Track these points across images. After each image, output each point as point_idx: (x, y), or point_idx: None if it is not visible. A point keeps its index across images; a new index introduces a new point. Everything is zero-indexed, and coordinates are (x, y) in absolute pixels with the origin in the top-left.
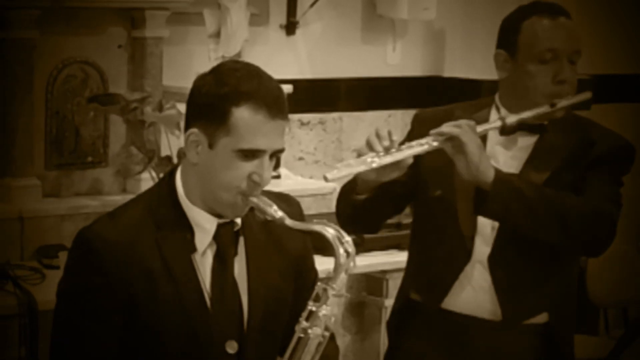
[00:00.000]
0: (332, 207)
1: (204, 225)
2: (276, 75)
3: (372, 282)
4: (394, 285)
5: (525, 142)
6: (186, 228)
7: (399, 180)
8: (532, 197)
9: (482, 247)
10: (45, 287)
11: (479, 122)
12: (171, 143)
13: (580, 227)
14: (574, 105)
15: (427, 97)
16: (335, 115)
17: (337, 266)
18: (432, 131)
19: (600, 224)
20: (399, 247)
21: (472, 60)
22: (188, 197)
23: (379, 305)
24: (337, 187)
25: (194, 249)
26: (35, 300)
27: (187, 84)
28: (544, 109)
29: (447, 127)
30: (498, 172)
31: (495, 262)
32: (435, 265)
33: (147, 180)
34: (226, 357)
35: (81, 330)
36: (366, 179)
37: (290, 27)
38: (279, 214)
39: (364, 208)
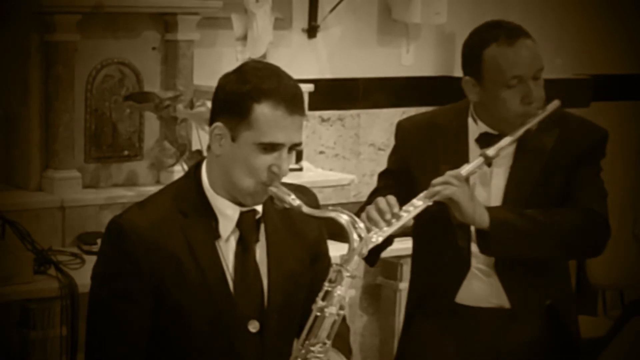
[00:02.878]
0: (350, 197)
1: (228, 213)
2: (298, 75)
3: (387, 266)
4: (407, 269)
5: (508, 149)
6: (211, 216)
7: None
8: (528, 229)
9: (479, 254)
10: (84, 271)
11: (459, 132)
12: (201, 138)
13: (578, 239)
14: (573, 97)
15: (439, 95)
16: (353, 112)
17: (351, 249)
18: (426, 192)
19: (595, 229)
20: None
21: None
22: (212, 187)
23: (394, 289)
24: (354, 178)
25: (218, 235)
26: (76, 283)
27: (216, 83)
28: (517, 133)
29: (439, 187)
30: (492, 215)
31: (500, 265)
32: (438, 273)
33: (179, 172)
34: (248, 335)
35: (114, 311)
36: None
37: (311, 31)
38: (297, 202)
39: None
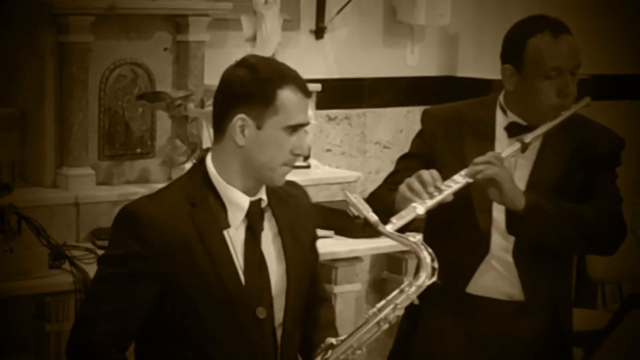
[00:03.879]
0: (357, 194)
1: (239, 203)
2: (306, 75)
3: (393, 261)
4: (412, 264)
5: (533, 144)
6: (220, 206)
7: None
8: (559, 217)
9: (499, 239)
10: None
11: (487, 124)
12: (212, 136)
13: (599, 234)
14: None
15: (442, 95)
16: (359, 111)
17: (421, 284)
18: (468, 170)
19: (615, 229)
20: (417, 230)
21: (483, 62)
22: (224, 178)
23: (399, 282)
24: (360, 175)
25: (227, 224)
26: (90, 277)
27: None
28: (553, 123)
29: (482, 166)
30: (527, 197)
31: (518, 254)
32: (455, 257)
33: None
34: (257, 321)
35: (117, 289)
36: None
37: (319, 32)
38: (374, 217)
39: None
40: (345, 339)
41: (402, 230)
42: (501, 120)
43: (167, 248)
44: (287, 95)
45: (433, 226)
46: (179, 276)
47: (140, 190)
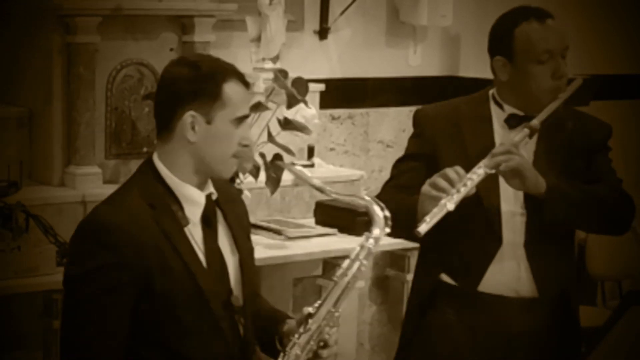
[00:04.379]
0: (359, 192)
1: (195, 199)
2: (310, 75)
3: (395, 258)
4: (415, 261)
5: (536, 122)
6: (176, 204)
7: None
8: (577, 196)
9: (509, 233)
10: None
11: (483, 118)
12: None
13: (615, 212)
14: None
15: (444, 94)
16: (362, 110)
17: (378, 238)
18: (488, 161)
19: (627, 206)
20: None
21: (484, 62)
22: (177, 176)
23: (401, 280)
24: (364, 174)
25: (187, 222)
26: None
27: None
28: (555, 104)
29: (503, 156)
30: (547, 181)
31: (530, 247)
32: (467, 251)
33: None
34: (230, 311)
35: (99, 305)
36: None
37: (322, 33)
38: (319, 183)
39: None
40: (321, 304)
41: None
42: (498, 114)
43: (140, 253)
44: (231, 88)
45: (443, 226)
46: (154, 279)
47: None
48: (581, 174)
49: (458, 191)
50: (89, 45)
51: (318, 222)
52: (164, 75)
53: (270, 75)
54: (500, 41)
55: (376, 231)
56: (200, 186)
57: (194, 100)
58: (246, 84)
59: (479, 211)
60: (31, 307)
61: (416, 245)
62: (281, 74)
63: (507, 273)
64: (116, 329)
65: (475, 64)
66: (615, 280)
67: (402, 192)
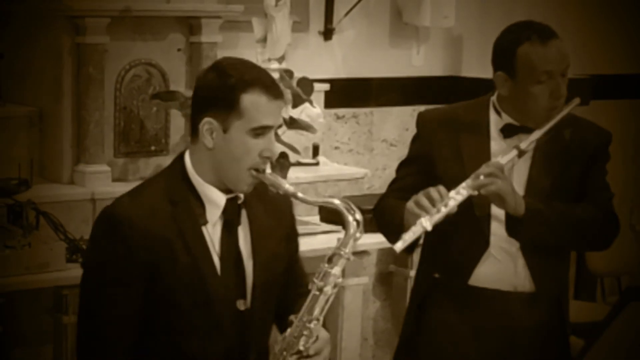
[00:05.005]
0: (364, 190)
1: (215, 200)
2: (315, 75)
3: (398, 255)
4: (417, 258)
5: (525, 145)
6: (198, 203)
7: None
8: (555, 220)
9: (498, 230)
10: None
11: (481, 125)
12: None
13: (595, 233)
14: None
15: (447, 94)
16: (367, 110)
17: (348, 233)
18: (472, 183)
19: (610, 227)
20: None
21: (486, 62)
22: (201, 177)
23: (404, 276)
24: (368, 172)
25: (205, 221)
26: None
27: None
28: (547, 126)
29: (486, 180)
30: (527, 204)
31: (527, 247)
32: (456, 252)
33: None
34: (236, 313)
35: (108, 296)
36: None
37: (327, 33)
38: (292, 189)
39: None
40: (299, 314)
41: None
42: (496, 121)
43: (149, 247)
44: (250, 99)
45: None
46: (160, 274)
47: None
48: (574, 185)
49: (438, 211)
50: (98, 46)
51: (323, 220)
52: (198, 77)
53: (276, 75)
54: (503, 58)
55: (350, 237)
56: (223, 188)
57: (212, 108)
58: (274, 95)
59: (470, 213)
60: (41, 303)
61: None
62: (287, 74)
63: (497, 269)
64: (124, 320)
65: (477, 65)
66: (615, 276)
67: (404, 194)
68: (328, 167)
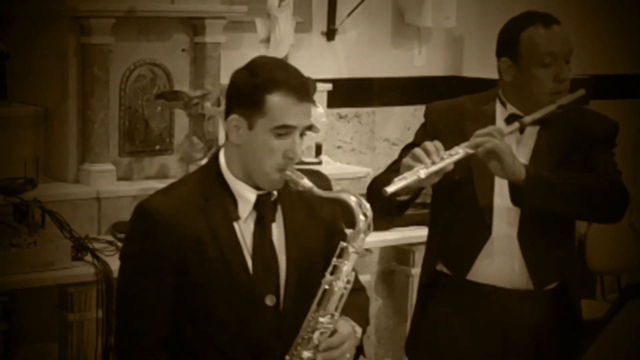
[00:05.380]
0: (365, 188)
1: (246, 196)
2: (317, 75)
3: (401, 253)
4: (419, 256)
5: (531, 132)
6: (230, 199)
7: None
8: (560, 184)
9: (500, 224)
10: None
11: (487, 116)
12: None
13: (602, 200)
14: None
15: (448, 93)
16: (369, 109)
17: (357, 228)
18: (469, 142)
19: (617, 194)
20: (424, 223)
21: (487, 62)
22: (232, 173)
23: (406, 274)
24: (370, 171)
25: (237, 217)
26: (111, 269)
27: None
28: (551, 108)
29: (481, 138)
30: (528, 168)
31: (523, 238)
32: (458, 241)
33: None
34: (265, 309)
35: (139, 288)
36: (410, 186)
37: (330, 34)
38: (309, 184)
39: (401, 204)
40: (311, 309)
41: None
42: (501, 112)
43: (177, 241)
44: (275, 99)
45: (437, 214)
46: (189, 269)
47: (159, 185)
48: (578, 167)
49: (433, 162)
50: (103, 46)
51: None
52: (232, 74)
53: None
54: (507, 43)
55: (360, 236)
56: (253, 184)
57: (239, 105)
58: (300, 97)
59: (473, 204)
60: (47, 300)
61: (421, 240)
62: None
63: (500, 265)
64: (154, 311)
65: (478, 64)
66: (614, 274)
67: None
68: (330, 166)
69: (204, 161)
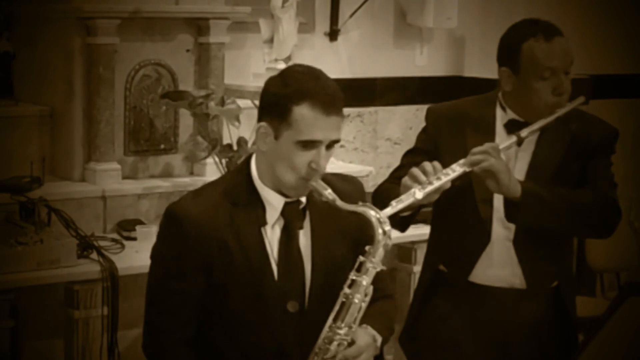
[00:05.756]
0: (368, 187)
1: (273, 203)
2: None
3: (403, 251)
4: (421, 254)
5: (531, 138)
6: (258, 204)
7: None
8: (554, 202)
9: (500, 229)
10: (124, 255)
11: (487, 120)
12: (231, 133)
13: (594, 217)
14: (572, 94)
15: (450, 93)
16: (371, 109)
17: (376, 243)
18: (466, 160)
19: (611, 212)
20: (425, 222)
21: (488, 62)
22: (260, 179)
23: (408, 271)
24: (372, 170)
25: (264, 222)
26: (116, 266)
27: (246, 82)
28: (550, 119)
29: (478, 156)
30: (523, 185)
31: (519, 242)
32: (460, 245)
33: (211, 164)
34: (287, 315)
35: (166, 289)
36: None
37: (332, 34)
38: (332, 196)
39: (403, 220)
40: (329, 321)
41: (408, 220)
42: (501, 117)
43: (204, 244)
44: (301, 112)
45: (439, 217)
46: (214, 271)
47: (164, 184)
48: (574, 177)
49: (430, 183)
50: (109, 46)
51: None
52: (266, 81)
53: None
54: (508, 53)
55: (378, 247)
56: (280, 191)
57: (268, 113)
58: (327, 111)
59: (472, 207)
60: (53, 298)
61: (423, 238)
62: None
63: (496, 267)
64: (181, 312)
65: (479, 65)
66: (614, 272)
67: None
68: (333, 165)
69: (208, 160)
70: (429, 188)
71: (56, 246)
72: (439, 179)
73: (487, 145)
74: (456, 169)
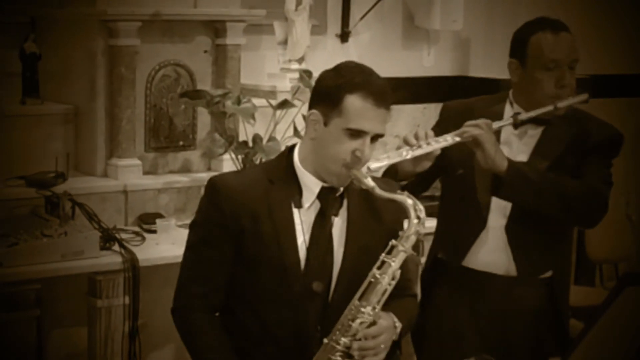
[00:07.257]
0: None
1: (311, 187)
2: None
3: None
4: (428, 246)
5: (534, 132)
6: (295, 186)
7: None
8: (537, 181)
9: (496, 217)
10: (145, 247)
11: (495, 115)
12: (247, 130)
13: (577, 203)
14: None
15: (456, 93)
16: None
17: (410, 227)
18: (456, 131)
19: (594, 200)
20: (432, 215)
21: (492, 63)
22: (302, 164)
23: (416, 262)
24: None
25: (299, 204)
26: (137, 258)
27: (261, 82)
28: (547, 108)
29: (468, 127)
30: (510, 162)
31: (511, 229)
32: (456, 231)
33: (228, 160)
34: (311, 294)
35: (199, 253)
36: (405, 170)
37: (344, 36)
38: (372, 183)
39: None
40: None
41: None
42: (508, 111)
43: (237, 213)
44: (352, 101)
45: (443, 205)
46: (245, 243)
47: (183, 179)
48: (571, 170)
49: (420, 146)
50: (130, 48)
51: None
52: (320, 74)
53: (296, 75)
54: (517, 46)
55: (411, 233)
56: (320, 178)
57: (320, 102)
58: (378, 103)
59: (473, 196)
60: (77, 288)
61: (430, 230)
62: (306, 74)
63: (491, 254)
64: (212, 277)
65: (484, 65)
66: (612, 263)
67: None
68: None
69: (225, 156)
70: (418, 151)
71: (80, 238)
72: (429, 144)
73: (480, 120)
74: (447, 139)
